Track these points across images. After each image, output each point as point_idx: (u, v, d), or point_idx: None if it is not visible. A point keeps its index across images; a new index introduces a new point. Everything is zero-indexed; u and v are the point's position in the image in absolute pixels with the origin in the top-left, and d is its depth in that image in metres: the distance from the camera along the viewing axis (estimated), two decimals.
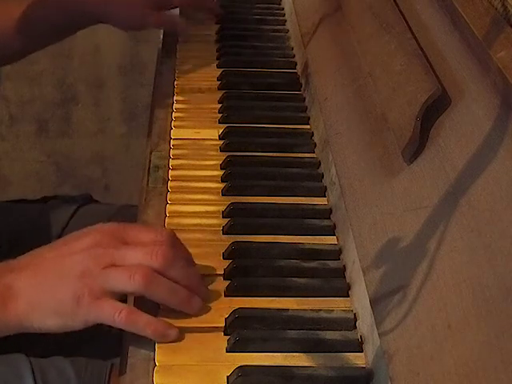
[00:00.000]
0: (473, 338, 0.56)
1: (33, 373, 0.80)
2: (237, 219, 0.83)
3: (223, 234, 0.82)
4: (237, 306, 0.72)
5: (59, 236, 1.09)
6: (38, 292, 0.69)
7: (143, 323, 0.68)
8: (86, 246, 0.70)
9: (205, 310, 0.72)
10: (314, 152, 0.96)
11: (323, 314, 0.71)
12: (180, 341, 0.69)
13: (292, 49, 1.20)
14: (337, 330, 0.70)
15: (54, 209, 1.14)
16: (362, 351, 0.68)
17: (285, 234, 0.82)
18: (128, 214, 1.08)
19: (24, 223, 1.12)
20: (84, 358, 0.85)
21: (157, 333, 0.68)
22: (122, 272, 0.69)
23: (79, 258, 0.70)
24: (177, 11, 1.26)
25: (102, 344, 1.06)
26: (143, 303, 0.70)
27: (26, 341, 0.97)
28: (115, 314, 0.67)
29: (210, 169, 0.93)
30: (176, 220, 0.84)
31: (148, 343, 0.69)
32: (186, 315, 0.71)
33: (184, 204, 0.86)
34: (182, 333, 0.69)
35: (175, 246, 0.72)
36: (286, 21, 1.28)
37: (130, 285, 0.68)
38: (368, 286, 0.68)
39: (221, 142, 0.97)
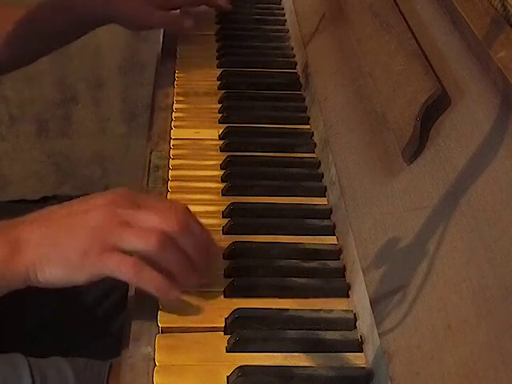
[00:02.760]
0: (473, 338, 0.56)
1: (31, 373, 0.80)
2: (237, 219, 0.83)
3: (223, 233, 0.82)
4: (237, 306, 0.72)
5: None
6: (47, 243, 0.69)
7: (149, 278, 0.68)
8: (100, 204, 0.70)
9: (205, 310, 0.72)
10: (314, 152, 0.96)
11: (323, 314, 0.71)
12: (180, 341, 0.69)
13: (292, 49, 1.20)
14: (337, 330, 0.70)
15: None
16: (361, 351, 0.68)
17: (285, 234, 0.82)
18: None
19: None
20: (83, 358, 0.85)
21: (160, 289, 0.68)
22: (137, 231, 0.68)
23: (93, 214, 0.70)
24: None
25: (100, 344, 1.06)
26: None
27: (25, 340, 0.97)
28: (121, 265, 0.67)
29: (210, 169, 0.93)
30: None
31: (148, 343, 0.69)
32: (186, 315, 0.71)
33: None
34: (181, 333, 0.69)
35: (189, 215, 0.72)
36: (285, 21, 1.28)
37: (144, 244, 0.68)
38: (368, 286, 0.68)
39: (221, 142, 0.97)
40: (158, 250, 0.68)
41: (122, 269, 0.68)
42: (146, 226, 0.69)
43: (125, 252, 0.69)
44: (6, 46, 1.10)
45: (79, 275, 0.69)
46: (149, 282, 0.68)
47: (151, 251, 0.68)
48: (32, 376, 0.80)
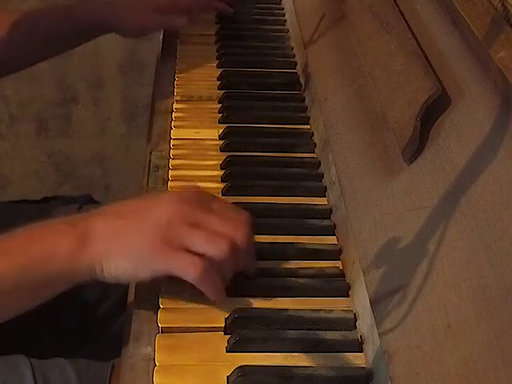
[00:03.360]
0: (473, 338, 0.56)
1: (33, 374, 0.80)
2: None
3: None
4: (237, 307, 0.72)
5: None
6: (115, 237, 0.69)
7: (212, 283, 0.69)
8: (172, 201, 0.71)
9: (205, 310, 0.72)
10: (314, 152, 0.96)
11: (323, 314, 0.71)
12: (180, 341, 0.69)
13: (292, 49, 1.20)
14: (337, 330, 0.70)
15: (55, 209, 1.14)
16: (361, 351, 0.68)
17: (285, 234, 0.82)
18: None
19: (24, 224, 1.12)
20: (85, 360, 0.85)
21: (218, 296, 0.70)
22: (208, 235, 0.69)
23: (165, 211, 0.70)
24: None
25: (102, 345, 1.06)
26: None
27: (26, 342, 0.97)
28: (189, 267, 0.67)
29: (210, 169, 0.93)
30: None
31: (148, 343, 0.69)
32: (186, 315, 0.71)
33: None
34: (181, 332, 0.69)
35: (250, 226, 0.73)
36: (285, 21, 1.28)
37: (212, 250, 0.68)
38: (368, 286, 0.68)
39: (221, 142, 0.97)
40: (226, 256, 0.69)
41: (190, 270, 0.68)
42: (218, 232, 0.70)
43: (194, 252, 0.69)
44: (6, 48, 1.11)
45: (145, 270, 0.69)
46: (211, 287, 0.69)
47: (219, 256, 0.69)
48: (34, 377, 0.80)
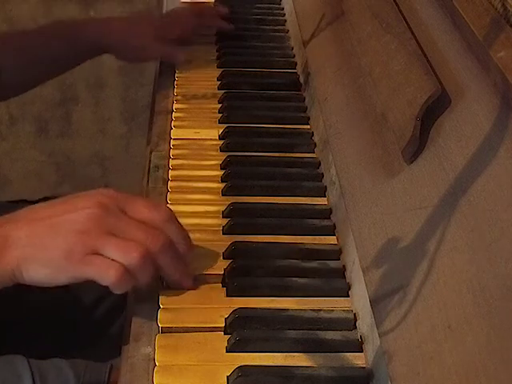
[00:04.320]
0: (473, 338, 0.56)
1: (32, 374, 0.80)
2: (237, 219, 0.83)
3: (223, 234, 0.82)
4: (237, 306, 0.72)
5: None
6: (32, 242, 0.69)
7: (129, 286, 0.69)
8: (86, 206, 0.70)
9: (205, 310, 0.72)
10: (314, 152, 0.96)
11: (323, 314, 0.71)
12: (180, 341, 0.69)
13: (292, 49, 1.20)
14: (337, 330, 0.70)
15: None
16: (362, 351, 0.68)
17: (285, 234, 0.82)
18: None
19: None
20: (83, 360, 0.85)
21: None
22: (121, 243, 0.69)
23: (80, 217, 0.70)
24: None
25: (100, 345, 1.06)
26: None
27: (25, 342, 0.97)
28: (105, 270, 0.68)
29: (210, 169, 0.93)
30: None
31: (148, 343, 0.69)
32: (186, 315, 0.71)
33: (184, 204, 0.86)
34: (182, 332, 0.69)
35: (173, 225, 0.73)
36: (285, 21, 1.28)
37: (124, 258, 0.68)
38: (368, 286, 0.68)
39: (221, 142, 0.97)
40: (137, 265, 0.68)
41: (107, 273, 0.68)
42: (130, 239, 0.69)
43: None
44: (3, 73, 1.10)
45: (61, 276, 0.69)
46: (131, 290, 0.69)
47: (131, 265, 0.68)
48: (32, 378, 0.80)
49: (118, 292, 0.70)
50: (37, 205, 0.73)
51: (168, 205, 0.86)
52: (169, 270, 0.72)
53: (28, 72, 1.14)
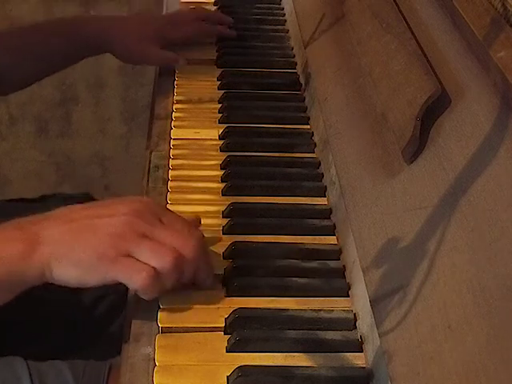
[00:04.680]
0: (473, 338, 0.56)
1: (30, 376, 0.80)
2: (237, 219, 0.83)
3: (223, 233, 0.82)
4: (237, 306, 0.72)
5: None
6: (65, 242, 0.69)
7: (154, 295, 0.69)
8: (123, 212, 0.71)
9: (205, 310, 0.72)
10: (314, 152, 0.96)
11: (323, 314, 0.71)
12: (180, 341, 0.69)
13: (292, 49, 1.20)
14: (337, 330, 0.70)
15: (53, 208, 1.14)
16: (362, 351, 0.68)
17: (285, 234, 0.82)
18: None
19: None
20: (82, 361, 0.85)
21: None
22: (155, 246, 0.69)
23: (116, 221, 0.70)
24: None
25: (99, 345, 1.06)
26: None
27: (25, 342, 0.97)
28: (135, 273, 0.68)
29: (210, 169, 0.93)
30: None
31: (148, 343, 0.69)
32: (186, 315, 0.71)
33: (184, 204, 0.86)
34: (182, 332, 0.69)
35: (203, 246, 0.74)
36: (285, 21, 1.28)
37: (157, 261, 0.68)
38: (368, 286, 0.68)
39: (221, 142, 0.97)
40: (170, 268, 0.69)
41: (136, 277, 0.68)
42: (164, 243, 0.70)
43: (141, 262, 0.69)
44: (2, 69, 1.10)
45: (92, 277, 0.69)
46: (152, 297, 0.69)
47: (164, 268, 0.69)
48: (31, 379, 0.80)
49: (144, 297, 0.70)
50: (74, 205, 0.74)
51: (168, 205, 0.86)
52: (202, 275, 0.72)
53: (27, 69, 1.14)
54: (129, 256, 0.69)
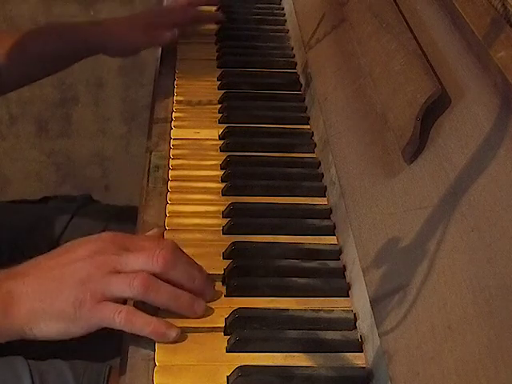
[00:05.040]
0: (473, 338, 0.56)
1: (31, 375, 0.80)
2: (237, 219, 0.83)
3: (223, 233, 0.82)
4: (237, 306, 0.72)
5: (60, 236, 1.09)
6: (39, 298, 0.69)
7: (142, 323, 0.68)
8: (87, 254, 0.71)
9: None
10: (314, 152, 0.96)
11: (323, 314, 0.71)
12: (180, 341, 0.69)
13: (292, 49, 1.20)
14: (337, 330, 0.70)
15: (55, 209, 1.14)
16: (362, 351, 0.68)
17: (285, 234, 0.82)
18: (128, 215, 1.08)
19: (24, 223, 1.12)
20: (82, 361, 0.85)
21: (156, 333, 0.68)
22: (122, 278, 0.69)
23: (81, 265, 0.70)
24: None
25: (100, 346, 1.05)
26: (143, 304, 0.70)
27: (25, 343, 0.97)
28: (115, 315, 0.68)
29: (210, 169, 0.93)
30: (176, 220, 0.84)
31: (148, 343, 0.69)
32: (186, 315, 0.71)
33: (184, 204, 0.86)
34: (182, 333, 0.69)
35: (176, 250, 0.72)
36: (285, 21, 1.28)
37: (129, 291, 0.69)
38: (368, 286, 0.68)
39: (221, 142, 0.97)
40: (143, 293, 0.69)
41: (113, 320, 0.68)
42: (131, 270, 0.69)
43: (119, 298, 0.69)
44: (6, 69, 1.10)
45: (74, 328, 0.69)
46: (143, 328, 0.68)
47: (139, 296, 0.69)
48: (32, 379, 0.80)
49: (133, 331, 0.69)
50: (39, 257, 0.73)
51: (168, 205, 0.86)
52: (185, 282, 0.71)
53: (22, 70, 1.14)
54: (105, 297, 0.68)
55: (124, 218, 1.11)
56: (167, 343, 0.68)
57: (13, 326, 0.70)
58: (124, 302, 0.70)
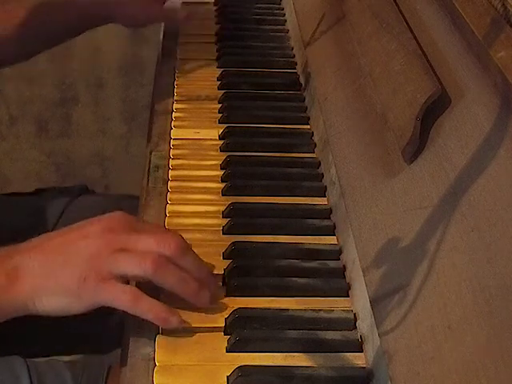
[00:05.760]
0: (473, 338, 0.56)
1: (29, 375, 0.80)
2: (237, 219, 0.83)
3: (223, 233, 0.82)
4: (237, 306, 0.72)
5: (54, 226, 1.09)
6: (44, 273, 0.69)
7: (147, 307, 0.68)
8: (96, 231, 0.70)
9: (205, 310, 0.72)
10: (314, 152, 0.96)
11: (323, 314, 0.71)
12: (180, 341, 0.69)
13: (292, 49, 1.20)
14: (337, 330, 0.70)
15: (50, 200, 1.14)
16: (362, 351, 0.68)
17: (285, 234, 0.82)
18: (125, 205, 1.08)
19: (20, 215, 1.12)
20: (81, 361, 0.85)
21: (159, 318, 0.68)
22: (132, 256, 0.68)
23: (90, 242, 0.69)
24: (178, 5, 1.27)
25: (100, 344, 1.06)
26: (145, 288, 0.70)
27: (24, 341, 0.97)
28: (120, 295, 0.67)
29: (210, 169, 0.93)
30: (176, 220, 0.84)
31: (148, 343, 0.69)
32: (187, 314, 0.71)
33: (184, 204, 0.86)
34: (182, 333, 0.69)
35: (185, 242, 0.72)
36: (285, 21, 1.28)
37: (139, 269, 0.68)
38: (368, 286, 0.68)
39: (221, 142, 0.97)
40: (154, 272, 0.68)
41: (119, 299, 0.68)
42: (142, 250, 0.69)
43: (124, 277, 0.69)
44: (5, 40, 1.10)
45: (77, 304, 0.69)
46: (147, 311, 0.68)
47: (148, 275, 0.68)
48: (30, 378, 0.80)
49: (137, 314, 0.68)
50: (47, 233, 0.73)
51: (168, 205, 0.86)
52: (194, 270, 0.71)
53: (29, 41, 1.14)
54: (111, 276, 0.68)
55: (121, 208, 1.11)
56: (167, 342, 0.68)
57: (17, 301, 0.69)
58: (126, 283, 0.70)
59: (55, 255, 0.70)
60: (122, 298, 0.67)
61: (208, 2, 1.36)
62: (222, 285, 0.75)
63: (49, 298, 0.69)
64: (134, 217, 0.74)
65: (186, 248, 0.71)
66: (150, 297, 0.69)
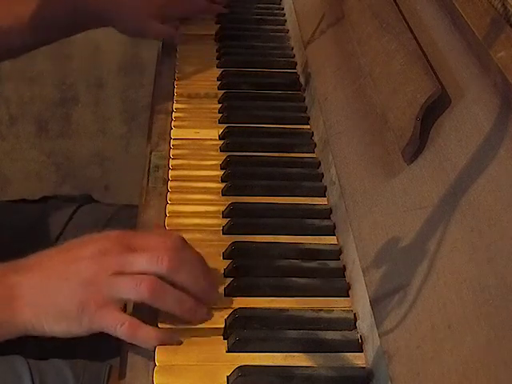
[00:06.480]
0: (473, 338, 0.56)
1: (31, 375, 0.80)
2: (237, 219, 0.83)
3: (223, 233, 0.82)
4: (237, 306, 0.72)
5: (58, 236, 1.09)
6: (42, 296, 0.69)
7: (144, 336, 0.68)
8: (92, 253, 0.70)
9: (206, 316, 0.72)
10: (314, 152, 0.96)
11: (323, 314, 0.71)
12: (180, 341, 0.69)
13: (292, 49, 1.20)
14: (337, 330, 0.70)
15: (54, 209, 1.14)
16: (362, 351, 0.68)
17: (285, 234, 0.82)
18: (128, 214, 1.08)
19: (24, 223, 1.12)
20: (82, 361, 0.85)
21: (156, 345, 0.68)
22: (128, 280, 0.68)
23: (85, 265, 0.69)
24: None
25: (100, 345, 1.05)
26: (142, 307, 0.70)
27: (25, 343, 0.97)
28: (117, 326, 0.68)
29: (210, 169, 0.93)
30: (176, 220, 0.84)
31: None
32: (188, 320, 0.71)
33: (184, 204, 0.86)
34: (182, 333, 0.69)
35: (183, 249, 0.72)
36: (285, 21, 1.28)
37: (135, 294, 0.68)
38: (368, 286, 0.68)
39: (221, 142, 0.97)
40: (150, 297, 0.68)
41: (117, 330, 0.68)
42: (138, 271, 0.69)
43: (121, 301, 0.69)
44: (5, 35, 1.10)
45: (77, 328, 0.69)
46: (146, 340, 0.68)
47: (144, 299, 0.68)
48: (32, 378, 0.80)
49: (136, 343, 0.68)
50: (43, 252, 0.73)
51: (168, 205, 0.86)
52: (189, 286, 0.70)
53: (22, 36, 1.14)
54: (109, 300, 0.68)
55: (124, 218, 1.11)
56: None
57: (16, 321, 0.69)
58: (125, 305, 0.70)
59: (53, 278, 0.70)
60: (119, 329, 0.68)
61: None
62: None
63: (49, 320, 0.69)
64: (129, 232, 0.73)
65: (180, 262, 0.70)
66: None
